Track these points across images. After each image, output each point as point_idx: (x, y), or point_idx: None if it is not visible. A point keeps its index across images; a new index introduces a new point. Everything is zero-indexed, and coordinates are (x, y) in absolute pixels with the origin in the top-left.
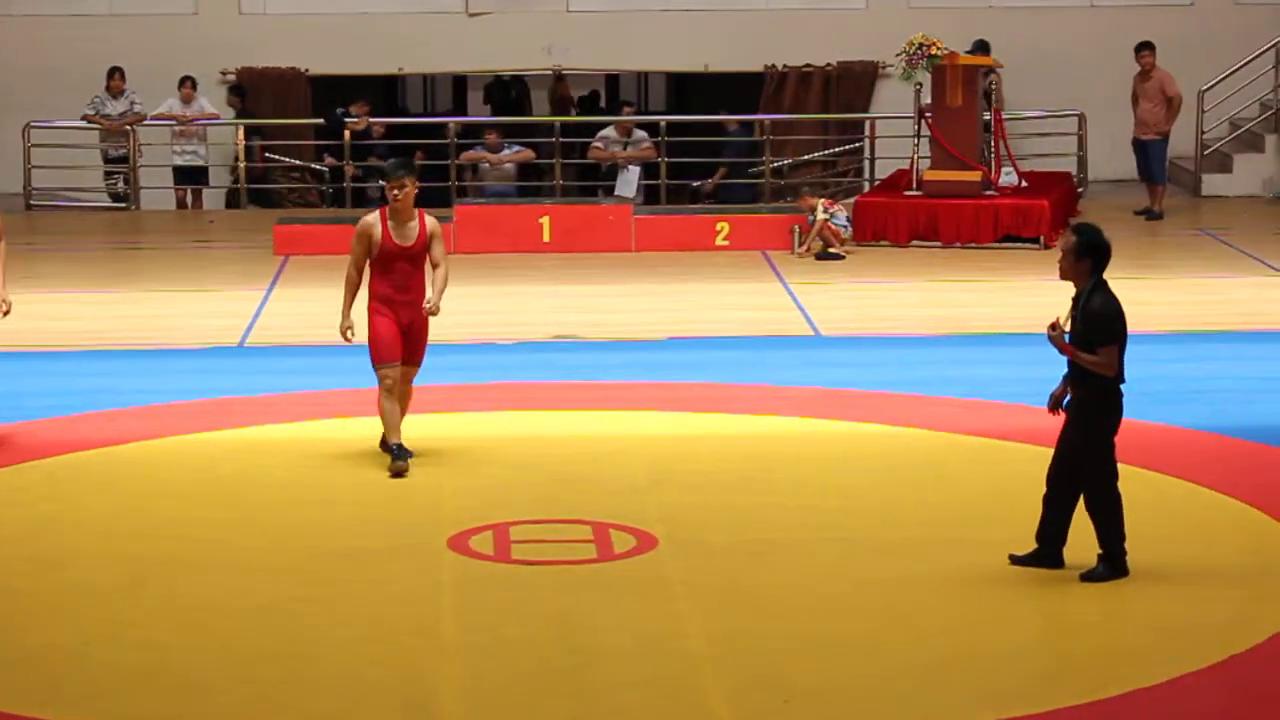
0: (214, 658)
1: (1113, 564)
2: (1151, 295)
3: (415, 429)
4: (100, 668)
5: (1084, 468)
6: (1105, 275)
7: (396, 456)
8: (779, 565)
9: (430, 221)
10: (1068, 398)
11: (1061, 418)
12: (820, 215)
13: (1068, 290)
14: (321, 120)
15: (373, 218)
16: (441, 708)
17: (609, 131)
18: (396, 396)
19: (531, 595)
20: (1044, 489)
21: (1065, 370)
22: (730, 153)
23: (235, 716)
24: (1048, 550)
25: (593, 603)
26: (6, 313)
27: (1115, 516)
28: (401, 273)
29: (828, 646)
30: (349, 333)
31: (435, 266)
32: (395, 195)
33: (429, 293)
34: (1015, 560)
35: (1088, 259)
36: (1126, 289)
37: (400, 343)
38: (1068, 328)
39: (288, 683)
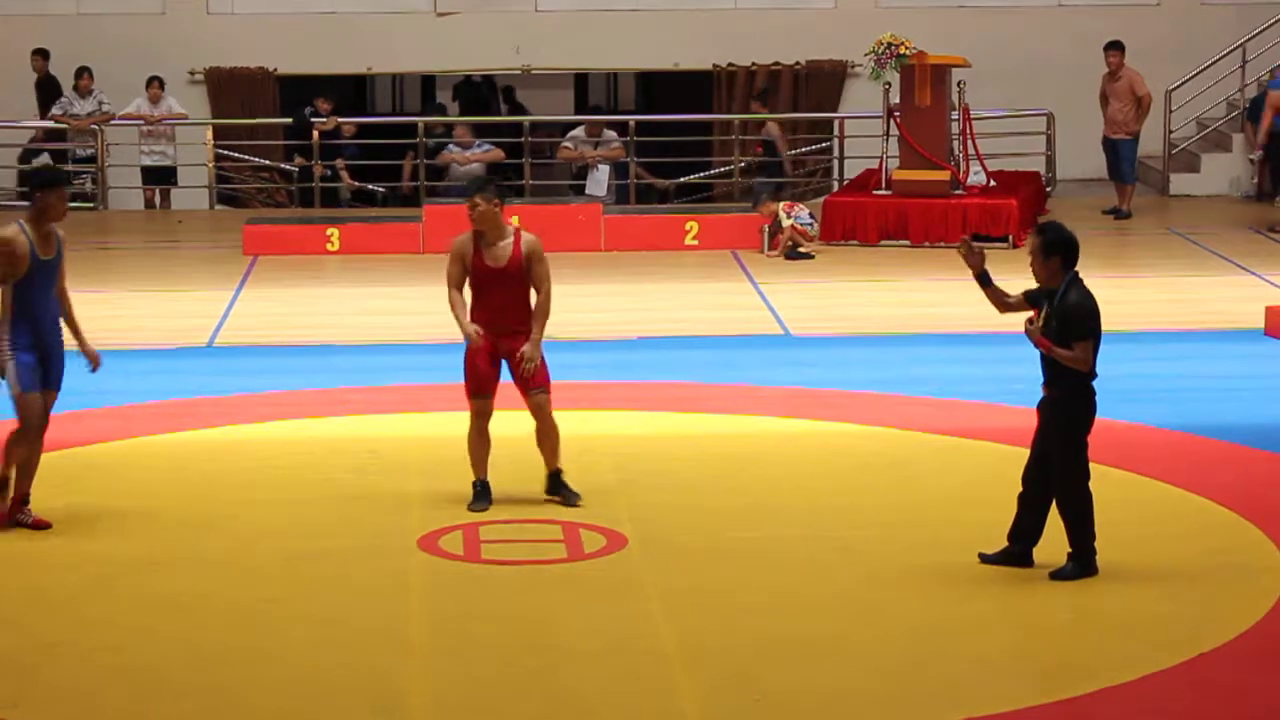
0: (182, 658)
1: (1082, 563)
2: (1120, 294)
3: (382, 429)
4: (68, 667)
5: (1056, 466)
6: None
7: (478, 497)
8: (749, 565)
9: (527, 240)
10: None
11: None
12: (785, 221)
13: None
14: (290, 120)
15: (467, 236)
16: (409, 708)
17: (578, 132)
18: (487, 430)
19: (501, 595)
20: (1018, 488)
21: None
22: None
23: (203, 717)
24: (1019, 549)
25: (563, 603)
26: (96, 369)
27: (1086, 515)
28: (496, 296)
29: (798, 647)
30: (478, 334)
31: (536, 291)
32: (470, 217)
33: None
34: (985, 559)
35: (1056, 256)
36: (1095, 288)
37: (494, 374)
38: (1039, 322)
39: (256, 683)
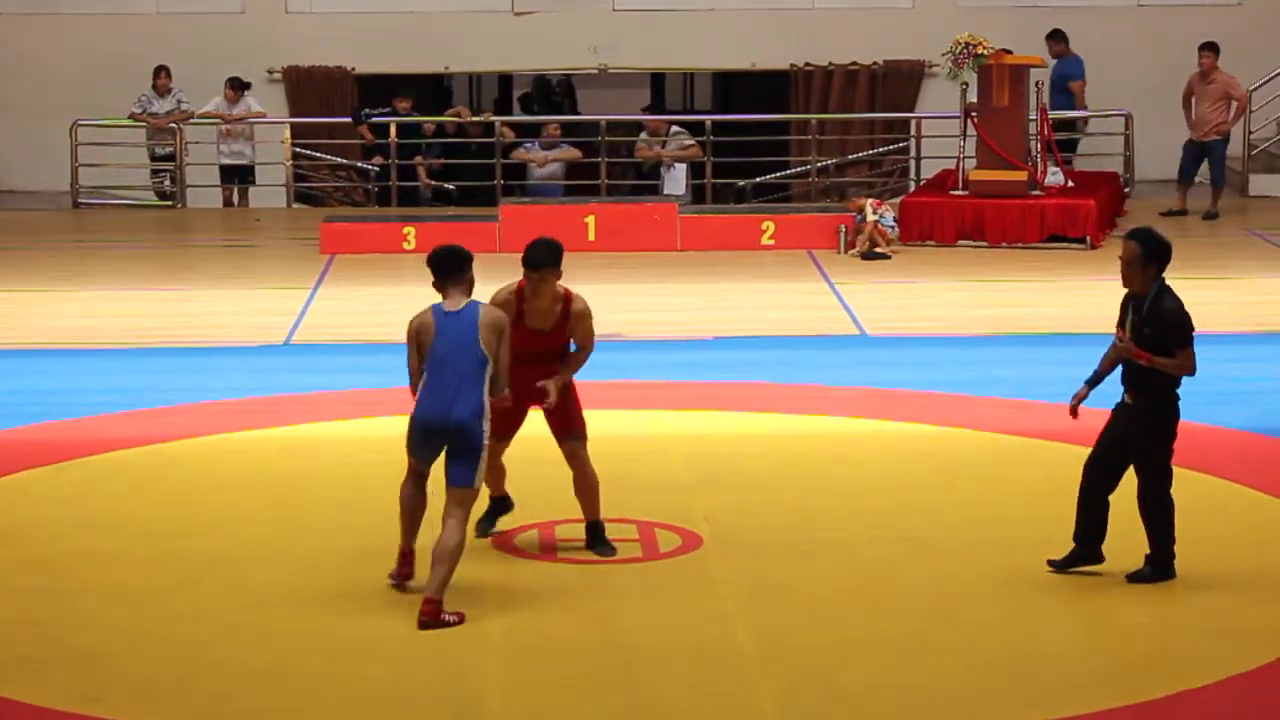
0: (260, 656)
1: (1160, 566)
2: (1200, 295)
3: None
4: (152, 662)
5: (1145, 473)
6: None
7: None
8: (825, 565)
9: (576, 306)
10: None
11: (1080, 420)
12: (870, 216)
13: (1114, 291)
14: (349, 119)
15: (507, 295)
16: (486, 707)
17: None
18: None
19: (577, 595)
20: (1083, 486)
21: (1090, 375)
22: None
23: (280, 714)
24: (1087, 549)
25: (638, 602)
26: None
27: (1169, 522)
28: (536, 360)
29: (874, 646)
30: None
31: (580, 348)
32: (532, 284)
33: None
34: (1054, 566)
35: (1154, 263)
36: (1175, 290)
37: (520, 417)
38: (1126, 335)
39: (333, 680)
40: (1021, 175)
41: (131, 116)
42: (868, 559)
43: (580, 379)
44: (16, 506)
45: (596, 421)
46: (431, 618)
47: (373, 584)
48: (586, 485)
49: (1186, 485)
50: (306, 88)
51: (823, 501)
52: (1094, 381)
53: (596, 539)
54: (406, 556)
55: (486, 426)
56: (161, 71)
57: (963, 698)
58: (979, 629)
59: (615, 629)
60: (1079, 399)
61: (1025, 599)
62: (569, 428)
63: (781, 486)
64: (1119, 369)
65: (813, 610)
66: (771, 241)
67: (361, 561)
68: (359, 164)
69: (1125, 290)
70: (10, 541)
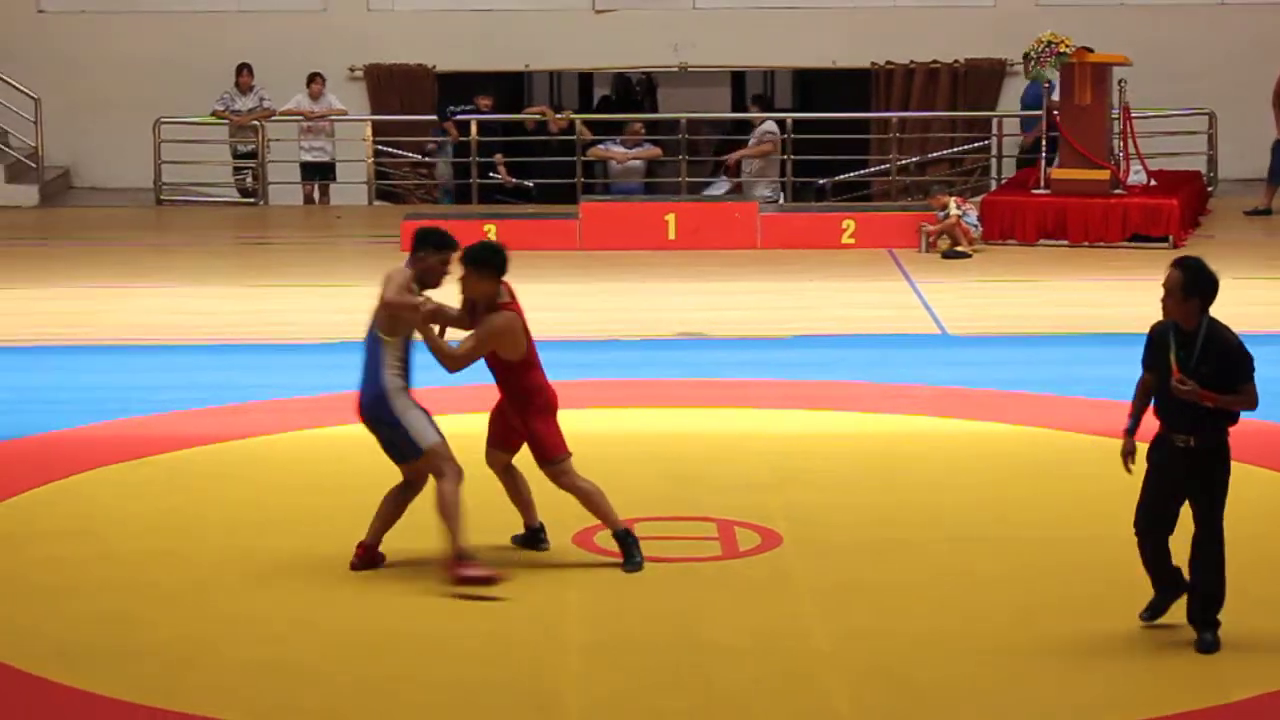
0: (335, 653)
1: (1215, 627)
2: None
3: None
4: (222, 660)
5: (1207, 523)
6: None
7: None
8: (902, 564)
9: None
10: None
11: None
12: (953, 212)
13: None
14: (436, 116)
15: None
16: (563, 704)
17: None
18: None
19: (656, 593)
20: (1145, 541)
21: (1128, 424)
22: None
23: (357, 712)
24: (1170, 595)
25: (717, 600)
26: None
27: (1223, 580)
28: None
29: (950, 645)
30: None
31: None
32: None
33: None
34: (1146, 619)
35: (1196, 296)
36: (1257, 288)
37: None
38: (1183, 376)
39: (408, 679)
40: (1104, 174)
41: (214, 114)
42: (945, 557)
43: (662, 377)
44: (93, 503)
45: (676, 419)
46: (451, 575)
47: (448, 584)
48: (590, 501)
49: (1260, 484)
50: (388, 85)
51: (901, 500)
52: (1134, 430)
53: (628, 551)
54: (363, 550)
55: (398, 402)
56: (244, 69)
57: (1037, 698)
58: (1054, 629)
59: (693, 627)
60: (1129, 453)
61: (1101, 599)
62: (543, 455)
63: (860, 485)
64: (1152, 408)
65: (889, 608)
66: (852, 240)
67: (436, 560)
68: (440, 160)
69: (1154, 325)
70: (86, 538)
